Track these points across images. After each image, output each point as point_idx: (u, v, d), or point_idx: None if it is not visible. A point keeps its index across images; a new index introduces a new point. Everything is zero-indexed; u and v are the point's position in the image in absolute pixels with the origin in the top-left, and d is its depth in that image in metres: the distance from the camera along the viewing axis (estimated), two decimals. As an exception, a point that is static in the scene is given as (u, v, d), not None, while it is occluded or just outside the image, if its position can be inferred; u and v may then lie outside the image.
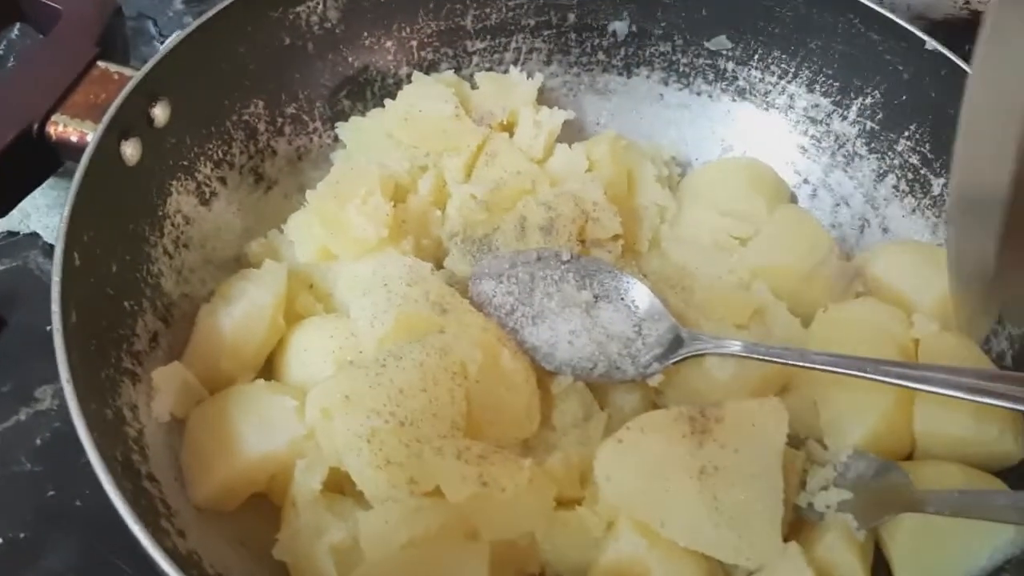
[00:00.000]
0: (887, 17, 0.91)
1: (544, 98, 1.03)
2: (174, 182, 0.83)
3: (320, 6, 0.92)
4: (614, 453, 0.70)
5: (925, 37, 0.89)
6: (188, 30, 0.82)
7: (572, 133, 1.02)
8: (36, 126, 0.76)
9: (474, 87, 0.99)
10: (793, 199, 1.00)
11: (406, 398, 0.73)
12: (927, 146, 0.91)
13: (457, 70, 1.01)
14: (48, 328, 0.84)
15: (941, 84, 0.89)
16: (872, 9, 0.92)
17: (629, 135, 1.02)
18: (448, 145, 0.93)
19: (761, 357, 0.75)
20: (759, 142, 1.01)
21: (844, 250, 0.96)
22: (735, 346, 0.76)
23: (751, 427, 0.71)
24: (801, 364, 0.74)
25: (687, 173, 1.02)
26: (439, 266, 0.90)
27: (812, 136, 0.99)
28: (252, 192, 0.91)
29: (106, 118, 0.74)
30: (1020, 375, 0.71)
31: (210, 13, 0.83)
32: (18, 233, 0.95)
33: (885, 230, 0.95)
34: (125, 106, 0.76)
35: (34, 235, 0.95)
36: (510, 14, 1.01)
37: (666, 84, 1.04)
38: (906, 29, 0.90)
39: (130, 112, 0.76)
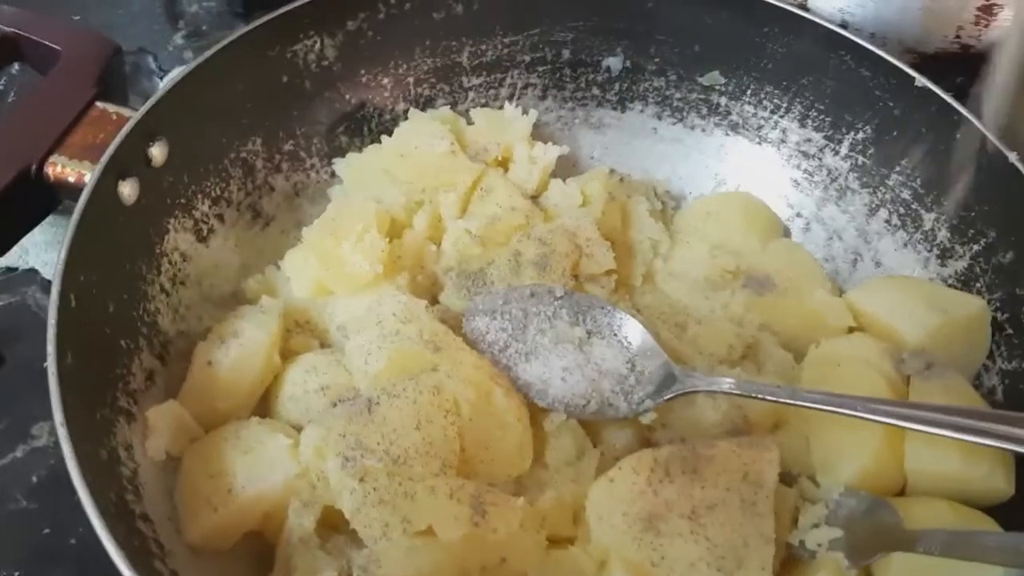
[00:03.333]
0: (877, 54, 0.92)
1: (539, 132, 1.04)
2: (171, 220, 0.84)
3: (318, 45, 0.93)
4: (606, 493, 0.70)
5: (915, 74, 0.90)
6: (186, 70, 0.83)
7: (567, 167, 1.03)
8: (35, 167, 0.77)
9: (470, 123, 1.00)
10: (786, 233, 1.00)
11: (399, 436, 0.74)
12: (918, 181, 0.92)
13: (453, 106, 1.02)
14: (45, 364, 0.85)
15: (931, 120, 0.90)
16: (862, 46, 0.93)
17: (623, 169, 1.03)
18: (443, 181, 0.93)
19: (753, 395, 0.76)
20: (753, 176, 1.02)
21: (837, 284, 0.96)
22: (727, 384, 0.76)
23: (743, 466, 0.71)
24: (792, 402, 0.74)
25: (681, 207, 1.03)
26: (434, 301, 0.90)
27: (805, 170, 1.00)
28: (249, 228, 0.92)
29: (103, 159, 0.75)
30: (1010, 414, 0.71)
31: (208, 53, 0.84)
32: (16, 269, 0.96)
33: (878, 264, 0.95)
34: (123, 147, 0.76)
35: (32, 271, 0.96)
36: (505, 51, 1.02)
37: (660, 119, 1.05)
38: (896, 66, 0.91)
39: (128, 152, 0.77)
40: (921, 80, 0.90)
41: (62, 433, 0.62)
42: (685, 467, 0.70)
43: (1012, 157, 0.84)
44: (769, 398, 0.75)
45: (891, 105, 0.93)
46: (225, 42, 0.85)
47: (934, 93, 0.89)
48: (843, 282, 0.97)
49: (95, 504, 0.60)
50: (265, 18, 0.87)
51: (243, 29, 0.86)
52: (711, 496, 0.69)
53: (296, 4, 0.89)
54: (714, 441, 0.73)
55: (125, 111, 0.81)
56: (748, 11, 0.96)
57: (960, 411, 0.71)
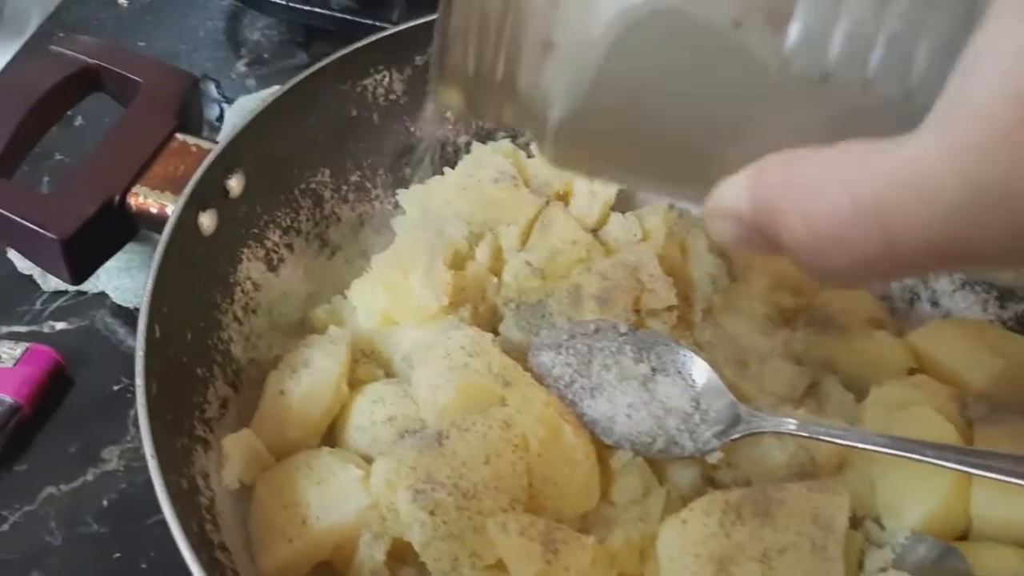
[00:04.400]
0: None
1: (597, 166, 1.05)
2: (245, 249, 0.86)
3: (387, 79, 0.95)
4: (678, 533, 0.71)
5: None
6: (263, 105, 0.84)
7: (626, 202, 1.04)
8: (118, 198, 0.79)
9: (529, 156, 1.01)
10: (843, 270, 1.01)
11: (469, 470, 0.74)
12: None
13: (513, 139, 1.04)
14: (115, 388, 0.87)
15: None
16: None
17: (683, 203, 1.03)
18: (505, 214, 0.95)
19: (820, 437, 0.76)
20: (809, 213, 1.02)
21: (895, 323, 0.97)
22: (793, 425, 0.77)
23: (813, 509, 0.72)
24: (860, 446, 0.75)
25: (738, 242, 1.04)
26: (494, 332, 0.92)
27: (862, 209, 1.00)
28: (317, 257, 0.93)
29: (186, 191, 0.77)
30: (1081, 463, 0.71)
31: (283, 88, 0.86)
32: (86, 293, 0.98)
33: (935, 304, 0.96)
34: (204, 179, 0.78)
35: (102, 295, 0.98)
36: (566, 85, 1.03)
37: (718, 153, 1.05)
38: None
39: (208, 185, 0.79)
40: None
41: (152, 465, 0.64)
42: (756, 510, 0.71)
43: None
44: (837, 440, 0.76)
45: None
46: (300, 77, 0.87)
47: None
48: (900, 321, 0.97)
49: (185, 536, 0.61)
50: (338, 54, 0.89)
51: (317, 65, 0.88)
52: (782, 540, 0.70)
53: (369, 40, 0.91)
54: (784, 484, 0.74)
55: (204, 143, 0.82)
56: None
57: (1030, 459, 0.71)
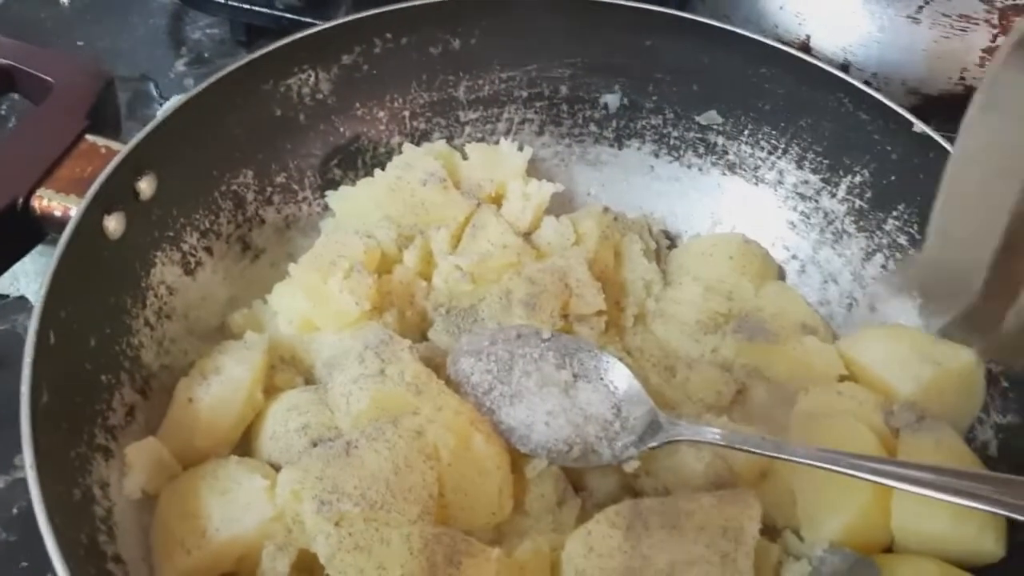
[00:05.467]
0: (876, 98, 0.91)
1: (536, 168, 1.03)
2: (159, 253, 0.84)
3: (312, 78, 0.93)
4: (583, 545, 0.69)
5: (913, 119, 0.89)
6: (175, 105, 0.83)
7: (563, 204, 1.02)
8: (21, 200, 0.77)
9: (465, 158, 1.00)
10: (782, 275, 0.99)
11: (377, 481, 0.73)
12: (915, 227, 0.91)
13: (449, 140, 1.02)
14: (31, 394, 0.84)
15: (929, 166, 0.88)
16: (861, 90, 0.92)
17: (620, 206, 1.02)
18: (435, 217, 0.93)
19: (738, 447, 0.74)
20: (749, 217, 1.01)
21: (832, 328, 0.95)
22: (711, 434, 0.75)
23: (723, 521, 0.70)
24: (777, 455, 0.73)
25: (677, 246, 1.02)
26: (424, 338, 0.90)
27: (801, 212, 0.99)
28: (239, 261, 0.91)
29: (89, 194, 0.75)
30: (1000, 476, 0.70)
31: (198, 88, 0.84)
32: (7, 297, 0.96)
33: (873, 309, 0.94)
34: (109, 182, 0.76)
35: (23, 299, 0.96)
36: (502, 86, 1.01)
37: (657, 156, 1.04)
38: (894, 110, 0.90)
39: (115, 187, 0.77)
40: (919, 126, 0.89)
41: (31, 476, 0.62)
42: (664, 521, 0.69)
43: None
44: (754, 450, 0.74)
45: (888, 149, 0.92)
46: (216, 77, 0.85)
47: (933, 139, 0.88)
48: (838, 327, 0.95)
49: (59, 548, 0.59)
50: (258, 53, 0.87)
51: (235, 64, 0.86)
52: (690, 552, 0.68)
53: (290, 39, 0.89)
54: (696, 495, 0.72)
55: (115, 145, 0.80)
56: (746, 51, 0.95)
57: (948, 471, 0.69)
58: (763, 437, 0.76)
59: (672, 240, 1.03)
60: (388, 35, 0.94)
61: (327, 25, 0.91)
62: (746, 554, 0.69)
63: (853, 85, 0.92)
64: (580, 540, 0.70)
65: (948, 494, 0.67)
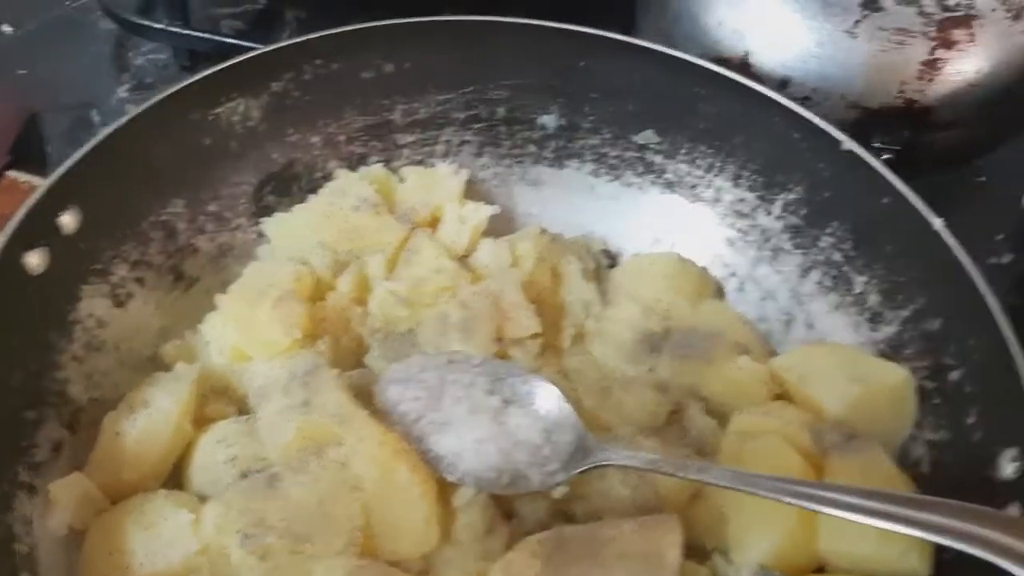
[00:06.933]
0: (805, 116, 0.91)
1: (476, 189, 1.03)
2: (85, 286, 0.83)
3: (242, 106, 0.93)
4: (504, 575, 0.69)
5: (841, 137, 0.89)
6: (99, 137, 0.82)
7: (504, 225, 1.02)
8: (-60, 238, 0.76)
9: (401, 180, 0.99)
10: (721, 293, 0.99)
11: (301, 513, 0.73)
12: (848, 244, 0.91)
13: (387, 163, 1.02)
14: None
15: (858, 183, 0.89)
16: (791, 109, 0.92)
17: (561, 226, 1.02)
18: (369, 242, 0.93)
19: (662, 471, 0.74)
20: (689, 234, 1.01)
21: (770, 345, 0.95)
22: (635, 460, 0.75)
23: (644, 547, 0.70)
24: (700, 479, 0.73)
25: (617, 265, 1.02)
26: (360, 364, 0.90)
27: (739, 229, 0.99)
28: (171, 291, 0.91)
29: (7, 232, 0.74)
30: (922, 498, 0.70)
31: (122, 120, 0.84)
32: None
33: (810, 326, 0.94)
34: (29, 218, 0.76)
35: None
36: (439, 108, 1.01)
37: (597, 176, 1.04)
38: (824, 129, 0.90)
39: (35, 223, 0.77)
40: (847, 143, 0.89)
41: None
42: (585, 549, 0.69)
43: (937, 224, 0.83)
44: (679, 474, 0.74)
45: (820, 167, 0.92)
46: (140, 109, 0.85)
47: (860, 157, 0.88)
48: (776, 344, 0.96)
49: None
50: (181, 84, 0.87)
51: (159, 96, 0.86)
52: (611, 579, 0.68)
53: (215, 68, 0.89)
54: (617, 521, 0.72)
55: (36, 180, 0.80)
56: (678, 71, 0.95)
57: (870, 493, 0.69)
58: (687, 461, 0.76)
59: (613, 259, 1.03)
60: (318, 61, 0.94)
61: (253, 53, 0.91)
62: (668, 579, 0.68)
63: (783, 104, 0.92)
64: (501, 570, 0.70)
65: (869, 516, 0.66)
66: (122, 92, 1.18)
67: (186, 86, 0.87)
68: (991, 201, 1.12)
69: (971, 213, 1.14)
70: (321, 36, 0.94)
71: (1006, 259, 1.10)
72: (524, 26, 0.98)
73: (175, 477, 0.81)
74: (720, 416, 0.86)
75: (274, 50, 0.92)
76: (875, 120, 1.10)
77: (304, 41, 0.93)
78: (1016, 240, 1.10)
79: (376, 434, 0.75)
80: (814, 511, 0.72)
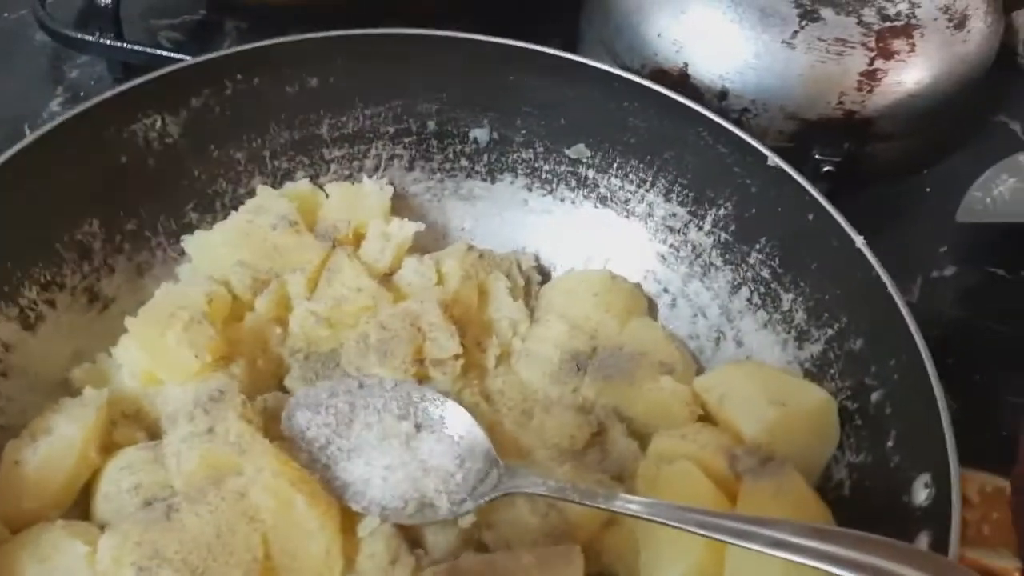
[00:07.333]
0: (732, 132, 0.89)
1: (408, 204, 1.02)
2: (-9, 311, 0.82)
3: (159, 123, 0.91)
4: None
5: (768, 152, 0.87)
6: (3, 157, 0.80)
7: (436, 240, 1.01)
8: None
9: (327, 195, 0.98)
10: (653, 309, 0.98)
11: (199, 545, 0.71)
12: (776, 260, 0.89)
13: (315, 178, 1.00)
14: None
15: (785, 200, 0.87)
16: (719, 123, 0.90)
17: (494, 241, 1.00)
18: (288, 261, 0.91)
19: (569, 499, 0.72)
20: (622, 250, 0.99)
21: (700, 364, 0.94)
22: (544, 487, 0.73)
23: (545, 578, 0.68)
24: (607, 508, 0.71)
25: (549, 281, 1.01)
26: (281, 385, 0.88)
27: (671, 245, 0.97)
28: (85, 313, 0.89)
29: None
30: (834, 530, 0.68)
31: (28, 140, 0.82)
32: None
33: (739, 344, 0.92)
34: (-78, 241, 0.74)
35: None
36: (367, 122, 0.99)
37: (530, 190, 1.02)
38: (751, 144, 0.88)
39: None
40: (774, 159, 0.87)
41: None
42: (481, 583, 0.67)
43: (859, 242, 0.81)
44: (586, 502, 0.72)
45: (748, 182, 0.90)
46: (48, 127, 0.83)
47: (786, 173, 0.86)
48: (706, 361, 0.94)
49: None
50: (92, 102, 0.85)
51: (68, 114, 0.84)
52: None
53: (128, 84, 0.87)
54: (518, 553, 0.70)
55: (-64, 202, 0.78)
56: (606, 85, 0.94)
57: (778, 524, 0.67)
58: (596, 489, 0.74)
59: (546, 275, 1.01)
60: (239, 76, 0.92)
61: (169, 69, 0.89)
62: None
63: (710, 119, 0.90)
64: (399, 604, 0.68)
65: (774, 548, 0.65)
66: (55, 106, 1.17)
67: (97, 104, 0.85)
68: (935, 213, 1.10)
69: (915, 225, 1.13)
70: (240, 51, 0.92)
71: (948, 271, 1.08)
72: (453, 40, 0.96)
73: (83, 505, 0.80)
74: (642, 438, 0.85)
75: (191, 65, 0.90)
76: (815, 131, 1.08)
77: (224, 55, 0.91)
78: (958, 253, 1.09)
79: (274, 463, 0.73)
80: (720, 541, 0.71)
